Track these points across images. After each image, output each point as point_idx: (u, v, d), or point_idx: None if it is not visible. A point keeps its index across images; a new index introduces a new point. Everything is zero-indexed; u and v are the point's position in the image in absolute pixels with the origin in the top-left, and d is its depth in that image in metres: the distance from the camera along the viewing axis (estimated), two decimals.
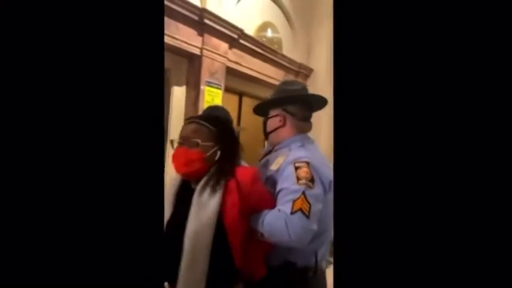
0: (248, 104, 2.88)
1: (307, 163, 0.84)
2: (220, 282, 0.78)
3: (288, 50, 3.07)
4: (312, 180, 0.82)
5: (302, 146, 0.94)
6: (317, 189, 0.82)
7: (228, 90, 2.55)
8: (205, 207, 0.76)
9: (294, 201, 0.78)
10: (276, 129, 1.01)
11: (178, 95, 2.26)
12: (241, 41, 2.44)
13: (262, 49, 2.66)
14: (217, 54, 2.27)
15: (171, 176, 0.90)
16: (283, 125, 0.99)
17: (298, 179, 0.81)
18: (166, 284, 0.81)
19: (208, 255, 0.74)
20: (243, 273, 0.82)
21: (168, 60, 2.16)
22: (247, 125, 2.98)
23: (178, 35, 2.01)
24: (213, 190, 0.77)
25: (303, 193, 0.79)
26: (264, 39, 2.75)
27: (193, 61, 2.23)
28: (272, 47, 2.77)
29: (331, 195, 0.88)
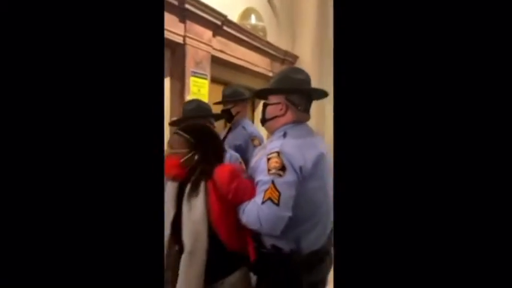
0: None
1: (278, 152, 0.88)
2: (222, 266, 0.90)
3: (272, 38, 2.99)
4: (282, 168, 0.86)
5: (283, 135, 0.96)
6: (288, 177, 0.86)
7: (213, 80, 2.45)
8: (193, 208, 0.87)
9: (265, 191, 0.86)
10: (274, 117, 1.01)
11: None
12: (225, 28, 2.33)
13: (247, 36, 2.56)
14: (201, 43, 2.16)
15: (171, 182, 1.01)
16: (284, 114, 0.99)
17: (268, 170, 0.87)
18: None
19: (205, 247, 0.85)
20: (242, 255, 0.93)
21: None
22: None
23: None
24: (197, 192, 0.88)
25: (272, 182, 0.85)
26: (248, 26, 2.66)
27: (176, 50, 2.11)
28: (257, 34, 2.68)
29: (311, 184, 0.90)
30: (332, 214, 0.93)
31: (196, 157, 0.94)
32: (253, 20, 2.78)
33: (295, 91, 0.99)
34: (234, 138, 1.63)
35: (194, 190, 0.89)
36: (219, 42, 2.35)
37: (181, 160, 0.93)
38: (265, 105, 1.04)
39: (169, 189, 0.98)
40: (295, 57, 3.28)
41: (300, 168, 0.88)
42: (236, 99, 1.69)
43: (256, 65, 2.76)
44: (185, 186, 0.92)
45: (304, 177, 0.88)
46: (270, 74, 2.97)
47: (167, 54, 2.15)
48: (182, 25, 2.03)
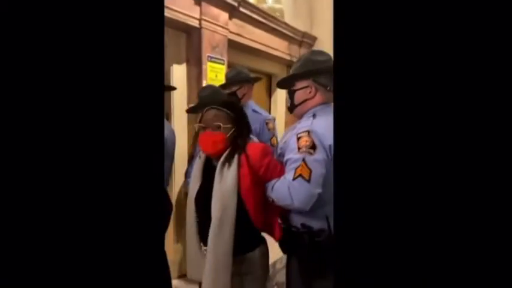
0: None
1: (308, 132, 0.90)
2: (244, 242, 0.94)
3: (289, 19, 2.85)
4: (312, 147, 0.89)
5: (313, 116, 0.97)
6: (318, 155, 0.88)
7: (230, 65, 2.37)
8: (225, 179, 0.90)
9: (296, 168, 0.88)
10: (304, 101, 1.02)
11: (178, 74, 2.08)
12: (242, 9, 2.22)
13: (264, 18, 2.44)
14: (218, 26, 2.07)
15: (198, 157, 1.04)
16: (313, 97, 1.01)
17: (298, 148, 0.90)
18: (203, 247, 0.96)
19: (234, 218, 0.89)
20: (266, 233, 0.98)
21: (165, 35, 1.97)
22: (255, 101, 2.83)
23: (173, 5, 1.81)
24: (230, 164, 0.92)
25: (303, 160, 0.88)
26: (265, 7, 2.53)
27: (192, 35, 2.04)
28: (274, 15, 2.56)
29: None
30: None
31: (234, 133, 0.97)
32: (269, 2, 2.65)
33: (322, 71, 0.99)
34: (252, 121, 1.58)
35: (227, 162, 0.92)
36: (235, 25, 2.25)
37: (227, 135, 0.95)
38: (292, 92, 1.04)
39: (196, 164, 1.02)
40: (314, 39, 3.13)
41: (330, 147, 0.89)
42: (241, 80, 1.61)
43: (273, 48, 2.65)
44: (214, 161, 0.97)
45: (329, 156, 0.90)
46: (288, 58, 2.86)
47: (183, 39, 2.08)
48: (198, 8, 1.94)
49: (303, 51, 3.00)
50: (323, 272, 0.95)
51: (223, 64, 2.15)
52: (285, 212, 0.99)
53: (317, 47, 3.13)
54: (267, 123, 1.57)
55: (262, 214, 0.96)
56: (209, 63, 2.04)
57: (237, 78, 1.61)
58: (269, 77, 3.12)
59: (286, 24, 2.71)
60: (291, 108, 1.07)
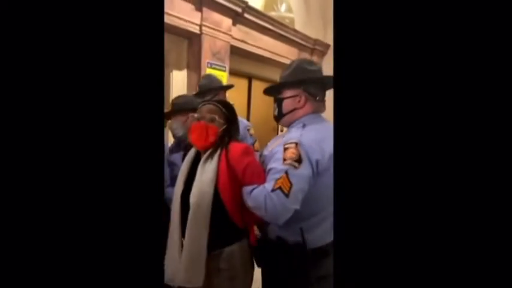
0: (259, 87, 2.62)
1: (296, 143, 0.86)
2: (222, 236, 0.93)
3: (301, 27, 2.75)
4: (298, 160, 0.84)
5: (303, 126, 0.94)
6: (303, 170, 0.84)
7: (235, 73, 2.31)
8: (206, 172, 0.93)
9: (277, 180, 0.83)
10: (293, 110, 0.98)
11: (178, 79, 2.05)
12: (247, 16, 2.17)
13: (271, 24, 2.37)
14: (219, 32, 2.03)
15: (185, 159, 1.07)
16: (303, 106, 0.97)
17: (284, 159, 0.85)
18: (183, 239, 0.95)
19: (209, 206, 0.89)
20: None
21: (166, 41, 1.96)
22: (258, 110, 2.74)
23: (173, 10, 1.79)
24: (212, 159, 0.94)
25: (286, 172, 0.83)
26: (273, 14, 2.47)
27: (193, 41, 2.01)
28: (283, 22, 2.48)
29: (325, 179, 0.88)
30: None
31: (224, 130, 1.00)
32: (279, 8, 2.58)
33: (313, 81, 0.96)
34: None
35: (210, 157, 0.96)
36: (239, 31, 2.20)
37: (220, 130, 0.99)
38: (280, 100, 1.00)
39: (189, 155, 1.06)
40: (327, 46, 3.01)
41: (317, 162, 0.86)
42: (217, 87, 1.56)
43: (281, 56, 2.56)
44: (202, 155, 1.00)
45: (319, 172, 0.86)
46: None
47: (184, 45, 2.06)
48: (199, 13, 1.91)
49: (315, 59, 2.88)
50: (295, 285, 0.93)
51: (224, 71, 2.09)
52: (261, 223, 0.98)
53: (331, 54, 3.00)
54: (248, 130, 1.59)
55: (240, 212, 0.95)
56: (209, 70, 1.99)
57: (212, 86, 1.56)
58: None
59: (295, 30, 2.62)
60: (278, 116, 1.02)
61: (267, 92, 1.09)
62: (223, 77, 2.08)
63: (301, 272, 0.90)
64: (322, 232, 0.93)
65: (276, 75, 2.82)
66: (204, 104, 1.02)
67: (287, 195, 0.81)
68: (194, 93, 1.63)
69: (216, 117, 0.97)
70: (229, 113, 1.02)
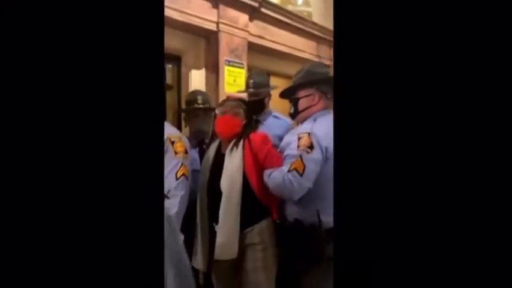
0: (277, 83, 2.57)
1: (309, 133, 1.01)
2: (252, 215, 1.06)
3: (319, 20, 2.66)
4: (310, 146, 0.99)
5: (314, 120, 1.08)
6: (315, 155, 0.99)
7: (251, 69, 2.27)
8: (233, 159, 1.07)
9: (292, 162, 0.99)
10: (307, 108, 1.12)
11: (197, 79, 2.05)
12: (263, 10, 2.12)
13: (289, 18, 2.31)
14: (236, 28, 1.99)
15: (208, 151, 1.21)
16: (316, 104, 1.12)
17: (298, 146, 1.01)
18: (214, 224, 1.07)
19: (240, 193, 1.03)
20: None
21: (184, 41, 1.95)
22: (276, 106, 2.69)
23: (189, 9, 1.77)
24: (237, 148, 1.09)
25: (300, 156, 0.98)
26: (290, 8, 2.40)
27: (210, 39, 1.99)
28: (300, 15, 2.41)
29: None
30: None
31: (246, 122, 1.16)
32: (296, 1, 2.51)
33: (324, 81, 1.12)
34: (273, 127, 1.48)
35: (235, 146, 1.10)
36: (256, 27, 2.16)
37: (243, 123, 1.14)
38: (296, 100, 1.15)
39: (212, 148, 1.20)
40: None
41: (326, 148, 1.00)
42: (267, 88, 1.54)
43: (300, 50, 2.49)
44: (223, 149, 1.14)
45: (328, 157, 1.00)
46: (316, 59, 2.67)
47: (201, 44, 2.04)
48: (215, 10, 1.89)
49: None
50: (311, 263, 1.04)
51: (242, 68, 2.06)
52: (280, 209, 1.11)
53: None
54: (291, 128, 1.61)
55: (265, 192, 1.07)
56: (227, 67, 1.97)
57: (264, 86, 1.55)
58: None
59: (313, 23, 2.54)
60: (294, 114, 1.17)
61: (283, 95, 1.23)
62: (242, 74, 2.05)
63: (317, 251, 1.00)
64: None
65: (294, 71, 2.75)
66: (226, 101, 1.18)
67: (301, 175, 0.97)
68: (244, 89, 1.63)
69: (241, 111, 1.14)
70: (248, 108, 1.19)
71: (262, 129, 1.23)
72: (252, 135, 1.10)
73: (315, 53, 2.66)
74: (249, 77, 1.59)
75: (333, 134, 0.97)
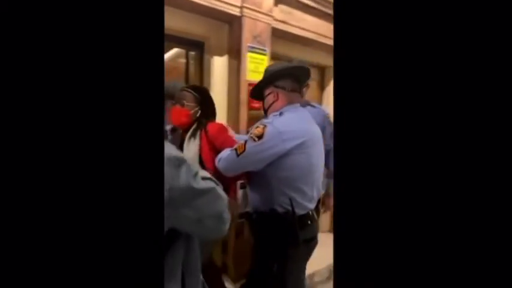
0: None
1: (264, 125, 1.08)
2: None
3: None
4: (260, 136, 1.05)
5: (279, 114, 1.14)
6: (261, 145, 1.05)
7: (276, 57, 2.21)
8: (191, 147, 1.20)
9: (238, 145, 1.11)
10: (271, 104, 1.21)
11: (219, 65, 2.03)
12: None
13: (315, 2, 2.20)
14: (260, 13, 1.93)
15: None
16: (277, 99, 1.19)
17: (250, 133, 1.09)
18: None
19: None
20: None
21: (207, 27, 1.93)
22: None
23: None
24: (194, 137, 1.21)
25: (245, 141, 1.09)
26: None
27: (233, 24, 1.95)
28: None
29: (301, 157, 1.09)
30: (318, 183, 1.18)
31: (199, 112, 1.25)
32: None
33: (278, 77, 1.18)
34: (314, 116, 1.45)
35: (193, 136, 1.21)
36: (281, 12, 2.08)
37: (190, 112, 1.22)
38: (262, 99, 1.27)
39: (175, 136, 1.31)
40: None
41: (284, 141, 1.05)
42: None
43: (326, 37, 2.38)
44: (186, 133, 1.25)
45: (290, 150, 1.05)
46: None
47: (224, 30, 2.01)
48: None
49: None
50: (287, 247, 1.11)
51: (265, 54, 2.01)
52: (255, 202, 1.19)
53: None
54: (328, 118, 1.69)
55: (220, 174, 1.14)
56: (249, 54, 1.93)
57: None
58: (322, 69, 2.85)
59: None
60: (265, 112, 1.26)
61: (252, 97, 1.33)
62: (264, 61, 2.00)
63: (292, 236, 1.09)
64: (306, 202, 1.14)
65: (319, 59, 2.65)
66: (180, 90, 1.26)
67: (237, 155, 1.08)
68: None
69: (185, 101, 1.23)
70: (201, 96, 1.26)
71: (305, 117, 1.22)
72: (210, 126, 1.21)
73: None
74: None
75: (295, 125, 1.10)
